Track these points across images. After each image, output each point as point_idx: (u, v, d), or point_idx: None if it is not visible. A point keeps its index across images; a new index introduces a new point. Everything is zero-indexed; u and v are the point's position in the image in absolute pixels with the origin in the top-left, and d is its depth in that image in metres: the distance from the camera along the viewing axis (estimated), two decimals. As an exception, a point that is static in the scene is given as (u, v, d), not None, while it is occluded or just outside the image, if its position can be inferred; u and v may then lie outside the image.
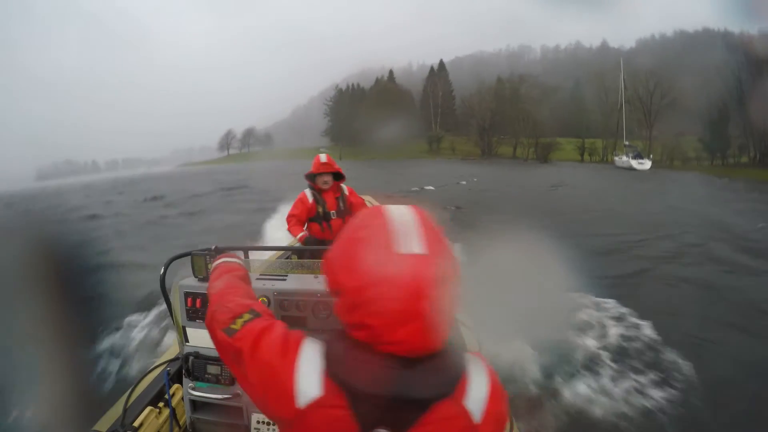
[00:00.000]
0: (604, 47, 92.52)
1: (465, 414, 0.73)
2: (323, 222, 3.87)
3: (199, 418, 1.83)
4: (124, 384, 3.57)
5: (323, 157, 3.87)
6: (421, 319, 0.68)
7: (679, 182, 30.49)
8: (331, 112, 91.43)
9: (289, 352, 0.79)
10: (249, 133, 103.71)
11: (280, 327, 0.87)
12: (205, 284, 1.56)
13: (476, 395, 0.75)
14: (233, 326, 0.89)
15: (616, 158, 48.42)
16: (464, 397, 0.74)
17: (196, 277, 1.82)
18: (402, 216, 0.74)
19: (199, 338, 1.80)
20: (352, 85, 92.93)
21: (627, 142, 50.79)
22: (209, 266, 1.74)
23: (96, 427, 1.79)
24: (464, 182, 27.70)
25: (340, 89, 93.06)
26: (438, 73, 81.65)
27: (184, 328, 1.84)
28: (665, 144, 51.76)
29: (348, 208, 3.93)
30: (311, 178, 3.88)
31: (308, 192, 3.88)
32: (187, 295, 1.81)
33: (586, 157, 60.36)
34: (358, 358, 0.73)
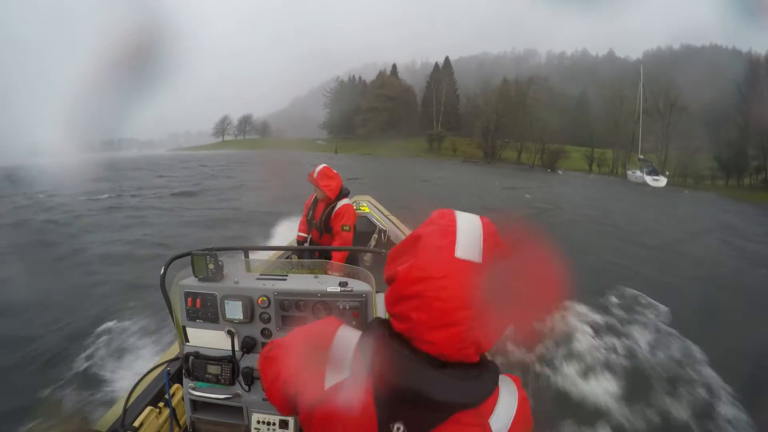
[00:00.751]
0: (611, 56, 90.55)
1: (486, 431, 0.71)
2: (312, 227, 3.87)
3: (199, 418, 1.83)
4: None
5: (317, 170, 3.68)
6: (459, 326, 0.67)
7: (699, 202, 28.09)
8: (331, 103, 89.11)
9: (324, 338, 0.83)
10: (246, 121, 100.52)
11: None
12: (205, 284, 1.77)
13: (502, 416, 0.73)
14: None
15: (629, 172, 45.25)
16: (490, 415, 0.72)
17: (196, 277, 1.79)
18: (469, 222, 0.74)
19: (199, 338, 1.80)
20: (354, 77, 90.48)
21: (641, 156, 47.74)
22: (209, 266, 1.75)
23: (96, 427, 1.82)
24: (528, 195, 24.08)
25: (342, 81, 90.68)
26: (443, 70, 78.25)
27: (184, 327, 1.81)
28: (681, 160, 48.57)
29: (328, 225, 3.71)
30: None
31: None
32: (187, 295, 1.78)
33: (595, 167, 57.22)
34: (391, 348, 0.72)
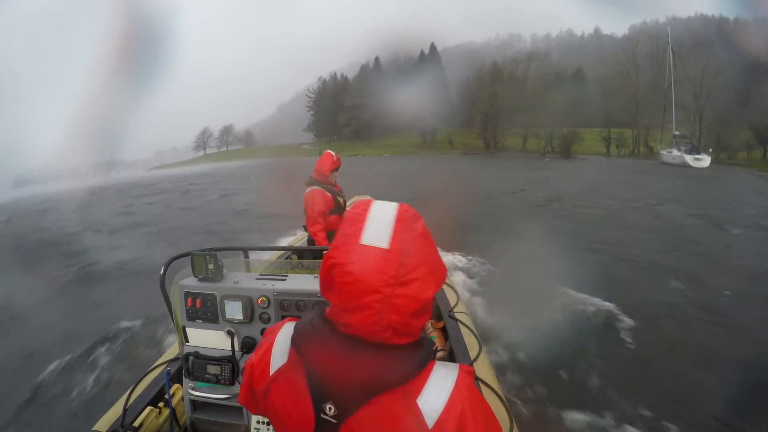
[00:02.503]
0: (598, 34, 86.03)
1: (416, 413, 0.70)
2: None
3: (199, 418, 1.82)
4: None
5: (334, 154, 3.74)
6: (368, 310, 0.68)
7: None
8: (314, 105, 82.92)
9: (272, 333, 0.87)
10: (227, 131, 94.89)
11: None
12: (205, 284, 1.74)
13: (432, 398, 0.71)
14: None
15: (664, 152, 37.21)
16: (417, 396, 0.71)
17: (196, 277, 1.77)
18: (382, 211, 0.75)
19: (199, 338, 1.78)
20: (335, 74, 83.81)
21: (677, 132, 39.57)
22: (209, 266, 1.74)
23: (96, 427, 1.77)
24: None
25: (324, 80, 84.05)
26: (429, 58, 70.53)
27: (184, 328, 1.79)
28: (715, 134, 41.01)
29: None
30: (320, 175, 3.71)
31: (319, 188, 3.66)
32: (187, 295, 1.76)
33: (613, 149, 49.61)
34: (318, 331, 0.75)
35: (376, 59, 78.05)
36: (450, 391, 0.72)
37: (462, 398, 0.72)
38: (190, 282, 1.77)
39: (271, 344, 0.84)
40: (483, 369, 2.16)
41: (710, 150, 34.16)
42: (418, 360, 0.72)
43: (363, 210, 0.75)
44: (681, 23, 55.53)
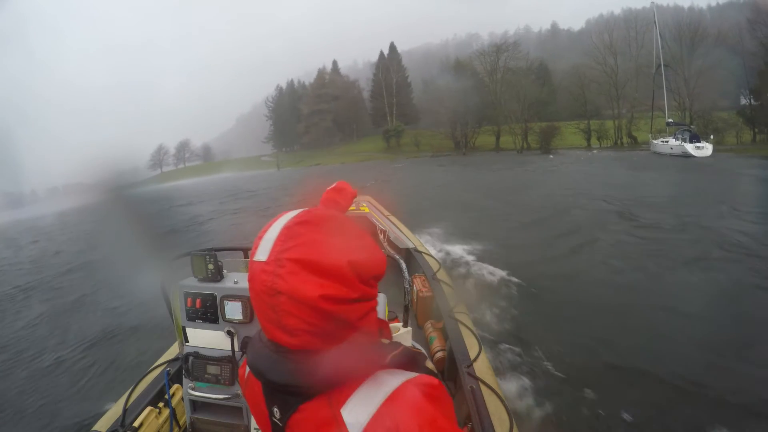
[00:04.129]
0: (555, 29, 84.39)
1: (339, 424, 0.65)
2: None
3: (199, 418, 1.79)
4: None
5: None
6: (266, 318, 0.70)
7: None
8: (273, 114, 77.39)
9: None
10: (183, 147, 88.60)
11: None
12: (205, 284, 1.72)
13: (358, 410, 0.65)
14: None
15: (657, 141, 32.56)
16: (342, 406, 0.66)
17: (196, 277, 1.75)
18: (278, 222, 0.74)
19: (199, 338, 1.75)
20: (293, 81, 78.43)
21: (671, 119, 34.90)
22: (209, 266, 1.72)
23: (96, 427, 1.76)
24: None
25: (281, 88, 78.63)
26: (389, 57, 65.17)
27: (183, 328, 1.77)
28: (704, 117, 36.84)
29: None
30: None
31: None
32: (187, 295, 1.74)
33: (594, 141, 44.72)
34: (257, 339, 0.78)
35: (334, 63, 73.05)
36: (380, 402, 0.65)
37: (397, 411, 0.64)
38: (190, 282, 1.74)
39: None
40: (483, 369, 2.13)
41: (711, 137, 29.64)
42: (346, 367, 0.69)
43: (266, 226, 0.74)
44: (636, 14, 52.61)
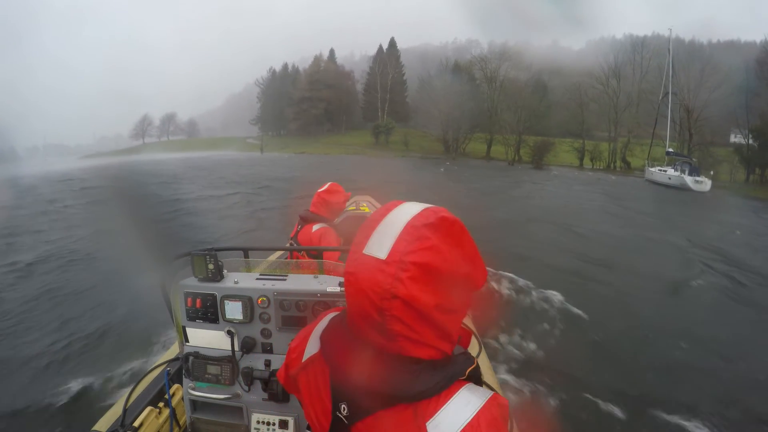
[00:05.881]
0: (556, 45, 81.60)
1: None
2: None
3: (199, 418, 1.77)
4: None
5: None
6: (368, 320, 0.66)
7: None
8: (262, 96, 73.49)
9: (315, 323, 0.87)
10: (169, 120, 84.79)
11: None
12: (205, 284, 1.68)
13: (444, 425, 0.64)
14: None
15: (653, 169, 30.76)
16: (429, 418, 0.64)
17: (196, 277, 1.72)
18: (398, 216, 0.68)
19: (199, 338, 1.73)
20: (287, 64, 74.40)
21: (671, 149, 33.28)
22: (209, 266, 1.70)
23: (96, 427, 1.74)
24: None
25: (274, 70, 74.56)
26: (388, 53, 62.42)
27: (184, 328, 1.75)
28: (703, 153, 35.28)
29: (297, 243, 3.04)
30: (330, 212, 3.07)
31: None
32: (187, 295, 1.71)
33: (587, 162, 42.88)
34: (339, 332, 0.76)
35: (331, 51, 69.73)
36: (466, 422, 0.64)
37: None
38: (190, 282, 1.72)
39: (310, 331, 0.85)
40: (483, 369, 1.89)
41: (711, 172, 27.97)
42: (437, 380, 0.66)
43: (379, 216, 0.70)
44: (637, 40, 51.55)
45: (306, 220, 2.87)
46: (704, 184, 26.17)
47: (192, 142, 76.39)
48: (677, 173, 27.70)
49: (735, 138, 37.32)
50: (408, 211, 0.68)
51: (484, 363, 2.16)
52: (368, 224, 0.69)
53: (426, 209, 0.68)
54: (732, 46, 45.69)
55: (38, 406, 3.64)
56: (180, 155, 52.67)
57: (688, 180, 26.30)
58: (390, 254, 0.63)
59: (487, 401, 0.66)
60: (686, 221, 14.10)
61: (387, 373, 0.65)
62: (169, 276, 1.77)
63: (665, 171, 28.88)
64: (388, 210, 0.69)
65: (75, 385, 3.90)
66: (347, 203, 3.62)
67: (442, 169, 32.01)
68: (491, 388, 1.79)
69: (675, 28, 37.39)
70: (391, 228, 0.66)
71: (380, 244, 0.65)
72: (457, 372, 0.67)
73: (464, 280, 0.67)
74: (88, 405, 3.57)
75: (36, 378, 4.17)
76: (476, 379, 0.72)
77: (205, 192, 17.20)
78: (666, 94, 34.19)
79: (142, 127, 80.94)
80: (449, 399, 0.65)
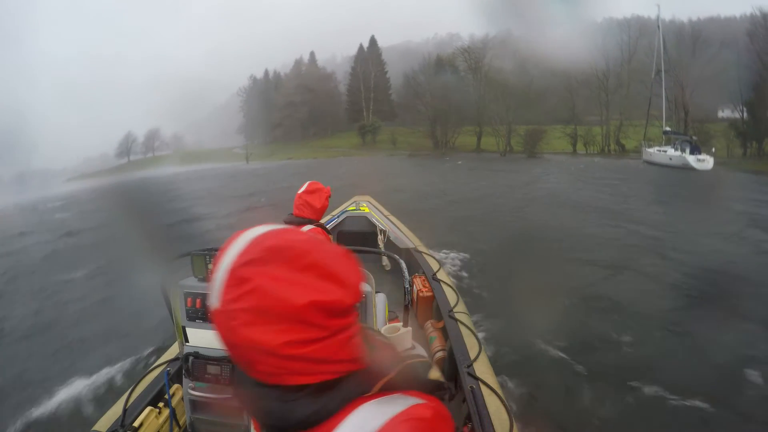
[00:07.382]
0: (539, 32, 79.78)
1: None
2: None
3: (199, 418, 1.76)
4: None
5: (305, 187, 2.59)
6: (237, 362, 0.62)
7: None
8: (245, 105, 71.72)
9: None
10: (153, 136, 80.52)
11: None
12: (205, 284, 1.63)
13: None
14: None
15: (651, 150, 29.25)
16: None
17: (196, 277, 1.72)
18: (226, 257, 0.61)
19: (199, 338, 1.72)
20: (268, 71, 72.03)
21: (668, 128, 31.66)
22: (209, 266, 1.65)
23: (96, 427, 1.73)
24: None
25: (255, 78, 72.55)
26: (369, 51, 60.81)
27: (184, 328, 1.73)
28: (698, 129, 33.60)
29: None
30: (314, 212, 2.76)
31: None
32: (187, 295, 1.71)
33: (580, 147, 41.42)
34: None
35: (311, 54, 67.74)
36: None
37: None
38: (190, 282, 1.72)
39: None
40: (483, 369, 2.11)
41: (713, 150, 26.49)
42: (324, 402, 0.60)
43: (218, 257, 0.62)
44: (616, 23, 50.06)
45: (291, 224, 2.37)
46: (707, 162, 24.70)
47: (179, 156, 72.64)
48: (678, 153, 26.18)
49: (722, 113, 36.16)
50: (235, 249, 0.60)
51: (483, 363, 2.14)
52: (214, 263, 0.62)
53: (249, 242, 0.60)
54: (713, 21, 44.50)
55: (38, 407, 3.60)
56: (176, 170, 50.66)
57: (690, 159, 24.85)
58: (221, 304, 0.58)
59: (389, 420, 0.58)
60: (726, 204, 12.89)
61: (273, 405, 0.60)
62: (168, 276, 1.75)
63: (665, 151, 27.37)
64: (227, 244, 0.62)
65: (75, 386, 3.83)
66: (347, 204, 3.30)
67: (459, 162, 31.17)
68: (491, 392, 1.73)
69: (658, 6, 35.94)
70: (219, 273, 0.59)
71: (214, 291, 0.59)
72: (359, 390, 0.61)
73: (317, 308, 0.57)
74: (88, 405, 3.55)
75: (36, 378, 4.14)
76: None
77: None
78: (658, 71, 32.58)
79: (127, 144, 76.96)
80: (342, 421, 0.59)
